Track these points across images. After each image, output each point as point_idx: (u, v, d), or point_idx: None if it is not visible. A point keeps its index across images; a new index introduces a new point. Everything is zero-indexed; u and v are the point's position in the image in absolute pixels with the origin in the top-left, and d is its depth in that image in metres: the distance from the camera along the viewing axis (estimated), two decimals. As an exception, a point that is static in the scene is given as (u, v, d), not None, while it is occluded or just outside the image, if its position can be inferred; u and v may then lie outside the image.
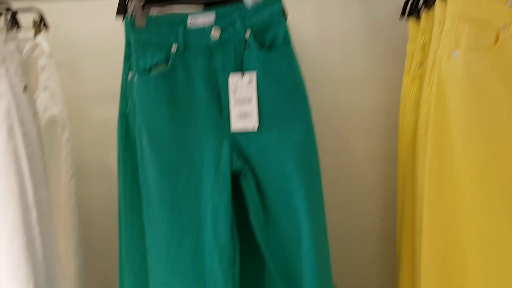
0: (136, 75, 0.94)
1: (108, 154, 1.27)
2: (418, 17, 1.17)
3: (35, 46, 1.16)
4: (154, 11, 0.99)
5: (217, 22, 0.94)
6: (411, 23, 1.20)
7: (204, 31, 0.94)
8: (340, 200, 1.40)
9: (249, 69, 0.94)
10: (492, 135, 0.98)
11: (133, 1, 0.92)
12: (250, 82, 0.93)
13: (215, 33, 0.93)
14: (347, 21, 1.35)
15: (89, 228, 1.27)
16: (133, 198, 1.01)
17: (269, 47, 0.94)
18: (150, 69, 0.94)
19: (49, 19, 1.21)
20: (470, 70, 0.97)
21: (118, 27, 0.99)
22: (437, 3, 1.01)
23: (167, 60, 0.94)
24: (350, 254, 1.40)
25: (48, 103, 1.15)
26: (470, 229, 1.00)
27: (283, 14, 0.94)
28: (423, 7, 1.14)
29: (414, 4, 1.18)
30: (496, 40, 0.97)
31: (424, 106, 1.05)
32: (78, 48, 1.33)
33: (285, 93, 0.93)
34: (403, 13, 1.26)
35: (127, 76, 0.99)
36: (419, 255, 1.08)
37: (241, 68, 0.94)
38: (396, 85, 1.30)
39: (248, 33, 0.93)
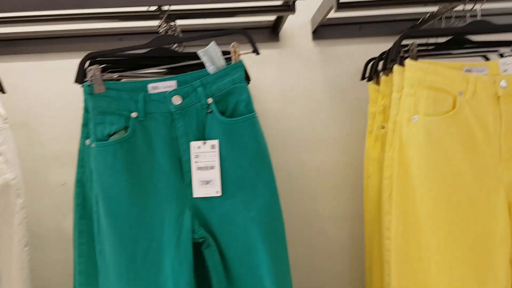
0: (94, 142, 0.91)
1: (66, 219, 1.21)
2: (377, 81, 1.20)
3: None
4: (114, 77, 0.97)
5: (178, 88, 0.93)
6: (371, 86, 1.22)
7: (165, 98, 0.92)
8: (309, 260, 1.38)
9: (211, 135, 0.92)
10: (453, 195, 0.98)
11: (92, 69, 0.90)
12: (212, 149, 0.92)
13: (176, 100, 0.92)
14: (310, 82, 1.38)
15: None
16: (88, 270, 0.96)
17: (231, 113, 0.93)
18: (108, 136, 0.91)
19: (7, 78, 1.18)
20: (429, 134, 0.99)
21: (77, 88, 0.96)
22: (395, 68, 1.04)
23: (126, 127, 0.91)
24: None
25: (2, 168, 1.09)
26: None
27: (245, 80, 0.94)
28: (381, 72, 1.17)
29: (374, 68, 1.21)
30: (454, 105, 1.00)
31: (387, 169, 1.06)
32: (36, 109, 1.29)
33: (248, 160, 0.92)
34: (363, 77, 1.29)
35: (85, 142, 0.96)
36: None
37: (203, 135, 0.93)
38: (359, 144, 1.32)
39: (210, 100, 0.92)
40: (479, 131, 0.99)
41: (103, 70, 0.98)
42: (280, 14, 1.19)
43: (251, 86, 1.35)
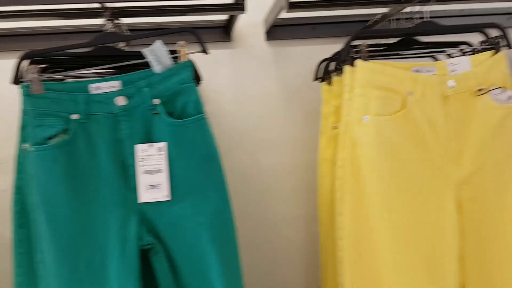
0: (32, 146, 0.86)
1: (6, 229, 1.14)
2: (330, 81, 1.20)
3: None
4: (56, 77, 0.92)
5: (122, 89, 0.89)
6: (323, 86, 1.22)
7: (109, 99, 0.88)
8: (266, 262, 1.36)
9: (159, 138, 0.89)
10: (403, 195, 0.99)
11: (29, 68, 0.85)
12: (159, 152, 0.88)
13: (121, 101, 0.88)
14: (264, 83, 1.36)
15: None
16: (28, 282, 0.90)
17: (179, 115, 0.90)
18: (47, 140, 0.86)
19: None
20: (380, 134, 0.99)
21: (15, 90, 0.91)
22: (346, 69, 1.03)
23: (67, 130, 0.87)
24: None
25: None
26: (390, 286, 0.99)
27: (194, 80, 0.91)
28: (334, 72, 1.17)
29: (326, 69, 1.21)
30: (403, 105, 1.01)
31: (339, 169, 1.05)
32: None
33: (197, 163, 0.89)
34: (315, 77, 1.28)
35: (23, 146, 0.90)
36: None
37: (149, 137, 0.89)
38: (315, 144, 1.31)
39: (156, 101, 0.89)
40: (428, 131, 1.00)
41: (44, 70, 0.93)
42: (231, 13, 1.16)
43: (204, 86, 1.33)
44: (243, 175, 1.35)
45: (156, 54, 0.90)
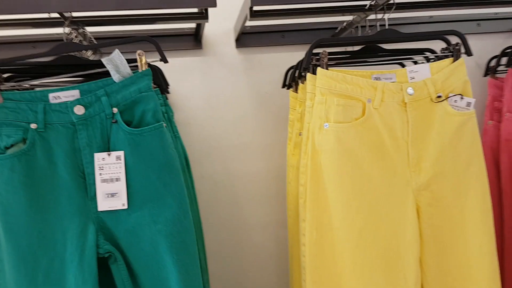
0: (-10, 155, 0.86)
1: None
2: (296, 88, 1.21)
3: None
4: (16, 86, 0.93)
5: (81, 98, 0.90)
6: (291, 93, 1.23)
7: (67, 108, 0.89)
8: (237, 268, 1.37)
9: (117, 146, 0.90)
10: (364, 200, 1.00)
11: (-14, 78, 0.86)
12: (118, 160, 0.89)
13: (79, 110, 0.89)
14: (235, 90, 1.37)
15: None
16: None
17: (138, 123, 0.90)
18: (5, 149, 0.86)
19: None
20: (340, 140, 1.00)
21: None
22: (308, 77, 1.05)
23: (25, 139, 0.87)
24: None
25: None
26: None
27: (152, 89, 0.92)
28: (299, 80, 1.18)
29: (292, 76, 1.22)
30: (363, 112, 1.02)
31: (302, 176, 1.06)
32: None
33: (155, 171, 0.90)
34: (283, 85, 1.30)
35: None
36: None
37: (107, 146, 0.90)
38: (284, 151, 1.33)
39: (115, 110, 0.90)
40: (388, 137, 1.02)
41: (7, 80, 0.94)
42: (196, 21, 1.18)
43: (175, 93, 1.34)
44: (213, 182, 1.36)
45: (114, 63, 0.91)
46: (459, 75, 1.04)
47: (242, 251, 1.37)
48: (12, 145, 0.87)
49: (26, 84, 1.03)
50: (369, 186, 1.01)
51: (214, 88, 1.37)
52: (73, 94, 0.91)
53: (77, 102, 0.89)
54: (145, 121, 0.91)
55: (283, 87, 1.29)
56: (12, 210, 0.86)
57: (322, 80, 1.02)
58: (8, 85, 0.94)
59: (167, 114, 1.13)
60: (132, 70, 0.92)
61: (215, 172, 1.37)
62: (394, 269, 1.00)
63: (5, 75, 0.96)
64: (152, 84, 1.03)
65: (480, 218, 1.02)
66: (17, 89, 0.96)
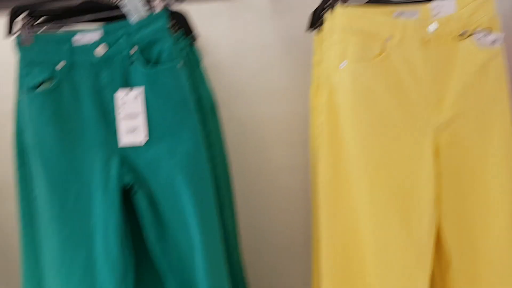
0: (24, 92, 0.95)
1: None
2: (319, 30, 1.19)
3: None
4: (45, 29, 1.00)
5: (103, 39, 0.95)
6: (315, 35, 1.22)
7: (90, 48, 0.95)
8: (263, 209, 1.41)
9: (135, 84, 0.95)
10: (380, 140, 1.00)
11: (19, 21, 0.93)
12: (136, 97, 0.95)
13: (100, 50, 0.95)
14: (261, 34, 1.38)
15: (8, 249, 1.26)
16: (29, 214, 1.01)
17: (155, 62, 0.95)
18: (36, 87, 0.94)
19: None
20: (357, 79, 1.00)
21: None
22: (327, 15, 1.03)
23: (52, 78, 0.95)
24: (273, 264, 1.41)
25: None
26: (366, 230, 1.02)
27: (167, 30, 0.96)
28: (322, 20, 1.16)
29: (316, 17, 1.21)
30: (381, 50, 1.00)
31: (319, 116, 1.07)
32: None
33: (171, 107, 0.95)
34: (309, 27, 1.28)
35: (19, 93, 0.99)
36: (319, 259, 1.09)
37: (127, 84, 0.96)
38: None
39: (134, 50, 0.95)
40: (407, 76, 0.99)
41: (34, 23, 1.01)
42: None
43: (202, 39, 1.36)
44: (240, 125, 1.40)
45: (133, 4, 0.95)
46: (487, 11, 0.99)
47: (268, 193, 1.41)
48: (41, 83, 0.95)
49: (52, 27, 1.09)
50: (386, 125, 1.00)
51: (242, 32, 1.38)
52: (95, 35, 0.96)
53: (99, 43, 0.95)
54: (161, 61, 0.95)
55: (309, 29, 1.28)
56: (44, 144, 0.95)
57: (340, 18, 1.01)
58: (36, 28, 1.01)
59: (191, 58, 1.17)
60: (149, 12, 0.95)
61: (241, 116, 1.40)
62: (409, 208, 1.00)
63: (34, 19, 1.02)
64: (176, 28, 1.08)
65: (502, 159, 0.98)
66: (45, 32, 1.03)
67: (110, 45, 0.95)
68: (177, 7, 1.10)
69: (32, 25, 0.98)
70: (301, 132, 1.40)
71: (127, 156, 0.96)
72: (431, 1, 1.03)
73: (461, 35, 0.98)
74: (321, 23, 1.20)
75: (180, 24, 1.13)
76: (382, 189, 1.00)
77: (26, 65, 0.95)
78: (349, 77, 1.00)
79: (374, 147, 1.00)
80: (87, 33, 0.96)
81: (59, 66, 0.94)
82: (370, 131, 1.00)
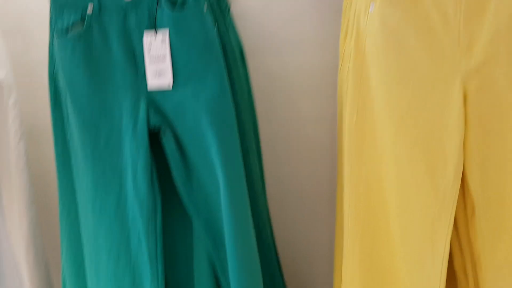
0: (56, 37, 0.98)
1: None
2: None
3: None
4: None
5: (130, -18, 0.97)
6: (345, -21, 1.19)
7: (118, -8, 0.97)
8: (289, 158, 1.43)
9: (162, 27, 0.96)
10: (408, 85, 0.99)
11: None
12: (163, 40, 0.96)
13: (129, -6, 0.96)
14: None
15: (43, 188, 1.34)
16: (64, 154, 1.07)
17: (181, 6, 0.96)
18: (67, 31, 0.97)
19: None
20: (385, 23, 0.98)
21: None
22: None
23: (83, 21, 0.97)
24: (298, 215, 1.44)
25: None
26: (389, 177, 1.02)
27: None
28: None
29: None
30: (411, -9, 0.97)
31: (347, 61, 1.06)
32: (30, 15, 1.37)
33: (197, 51, 0.96)
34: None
35: (52, 37, 1.03)
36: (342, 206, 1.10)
37: (154, 27, 0.97)
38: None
39: (160, -7, 0.96)
40: (438, 19, 0.96)
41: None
42: None
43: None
44: (268, 75, 1.40)
45: None
46: None
47: (295, 143, 1.42)
48: (71, 27, 0.97)
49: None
50: (414, 70, 0.98)
51: (270, -20, 1.36)
52: (123, -21, 0.97)
53: (127, -13, 0.96)
54: (187, 4, 0.96)
55: (339, -26, 1.25)
56: (76, 86, 0.99)
57: (369, -41, 0.98)
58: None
59: (220, 3, 1.16)
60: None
61: (270, 65, 1.39)
62: (434, 155, 0.99)
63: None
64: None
65: (534, 106, 0.96)
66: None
67: (137, -12, 0.96)
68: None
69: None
70: (330, 83, 1.39)
71: (155, 99, 0.99)
72: None
73: (497, -26, 0.94)
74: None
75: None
76: (408, 135, 0.99)
77: (57, 8, 0.97)
78: (378, 21, 0.98)
79: (401, 92, 0.99)
80: (115, -24, 0.97)
81: (89, 9, 0.97)
82: (398, 75, 0.99)
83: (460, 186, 1.02)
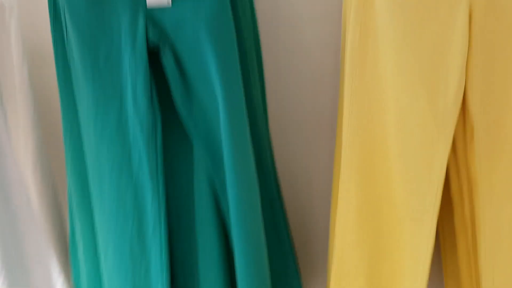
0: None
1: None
2: None
3: None
4: None
5: None
6: None
7: None
8: (292, 83, 1.42)
9: None
10: (413, 3, 0.96)
11: None
12: (161, -47, 0.94)
13: None
14: None
15: (47, 106, 1.36)
16: (65, 74, 1.07)
17: None
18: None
19: None
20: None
21: None
22: None
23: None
24: (299, 139, 1.44)
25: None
26: (391, 96, 1.02)
27: None
28: None
29: None
30: None
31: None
32: None
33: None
34: None
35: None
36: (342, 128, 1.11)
37: None
38: None
39: None
40: None
41: None
42: None
43: None
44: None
45: None
46: None
47: (298, 69, 1.40)
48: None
49: None
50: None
51: None
52: None
53: None
54: None
55: None
56: (75, 3, 0.98)
57: None
58: None
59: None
60: None
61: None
62: (436, 72, 0.98)
63: None
64: None
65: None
66: None
67: None
68: None
69: None
70: (335, 8, 1.36)
71: (153, 16, 0.98)
72: None
73: None
74: None
75: None
76: (410, 53, 0.98)
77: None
78: None
79: (405, 10, 0.97)
80: None
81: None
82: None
83: (460, 111, 1.01)
